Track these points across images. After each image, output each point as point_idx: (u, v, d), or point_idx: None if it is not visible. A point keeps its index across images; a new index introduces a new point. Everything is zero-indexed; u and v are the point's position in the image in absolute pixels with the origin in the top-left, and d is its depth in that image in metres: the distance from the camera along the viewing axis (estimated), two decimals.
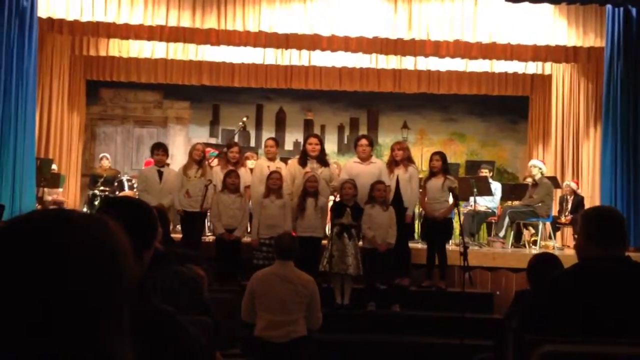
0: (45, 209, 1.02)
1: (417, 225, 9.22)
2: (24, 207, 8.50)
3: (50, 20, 9.58)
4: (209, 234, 8.60)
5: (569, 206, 9.96)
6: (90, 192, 10.66)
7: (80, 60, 11.98)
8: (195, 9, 9.26)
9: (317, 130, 12.93)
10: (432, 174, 7.71)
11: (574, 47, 10.00)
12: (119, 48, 11.25)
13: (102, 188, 10.44)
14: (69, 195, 11.58)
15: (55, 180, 10.10)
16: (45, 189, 10.03)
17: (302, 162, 7.66)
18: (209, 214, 8.09)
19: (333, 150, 12.94)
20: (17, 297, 0.83)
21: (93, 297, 0.86)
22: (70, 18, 9.27)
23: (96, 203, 10.14)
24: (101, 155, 11.66)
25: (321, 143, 7.78)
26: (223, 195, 7.49)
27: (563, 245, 9.98)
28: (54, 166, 10.31)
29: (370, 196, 7.13)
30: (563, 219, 9.94)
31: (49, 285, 0.84)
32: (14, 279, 0.84)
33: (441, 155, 7.76)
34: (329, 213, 7.60)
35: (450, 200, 7.70)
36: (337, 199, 7.65)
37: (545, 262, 4.09)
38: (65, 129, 11.59)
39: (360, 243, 7.10)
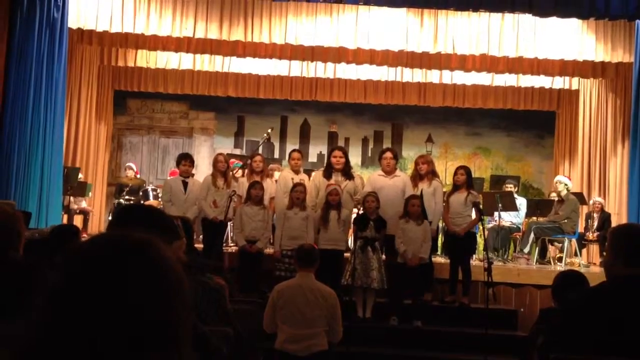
0: (111, 234, 1.06)
1: (439, 240, 9.16)
2: (50, 215, 8.62)
3: (80, 31, 9.74)
4: (232, 244, 8.62)
5: (595, 223, 9.82)
6: (116, 201, 10.76)
7: (109, 70, 12.15)
8: (223, 21, 9.37)
9: (341, 143, 12.90)
10: (455, 188, 7.66)
11: (602, 63, 9.90)
12: (146, 59, 11.40)
13: (127, 197, 10.54)
14: (95, 204, 11.71)
15: (81, 189, 10.21)
16: (72, 198, 10.14)
17: (327, 175, 7.67)
18: (230, 224, 8.10)
19: (357, 163, 12.90)
20: (85, 321, 0.85)
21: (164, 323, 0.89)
22: (99, 29, 9.42)
23: None
24: (127, 164, 11.77)
25: (346, 156, 7.78)
26: (246, 207, 7.51)
27: (589, 263, 9.83)
28: (80, 175, 10.43)
29: (406, 211, 7.11)
30: (590, 236, 9.80)
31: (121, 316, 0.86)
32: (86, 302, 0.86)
33: (466, 170, 7.71)
34: (351, 226, 7.58)
35: (474, 215, 7.63)
36: (361, 212, 7.63)
37: (570, 279, 4.02)
38: (92, 138, 11.74)
39: (399, 259, 7.07)
